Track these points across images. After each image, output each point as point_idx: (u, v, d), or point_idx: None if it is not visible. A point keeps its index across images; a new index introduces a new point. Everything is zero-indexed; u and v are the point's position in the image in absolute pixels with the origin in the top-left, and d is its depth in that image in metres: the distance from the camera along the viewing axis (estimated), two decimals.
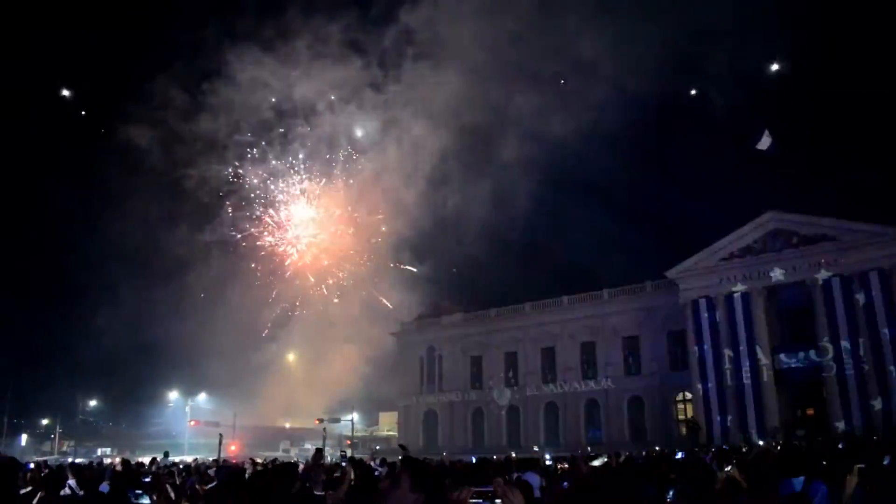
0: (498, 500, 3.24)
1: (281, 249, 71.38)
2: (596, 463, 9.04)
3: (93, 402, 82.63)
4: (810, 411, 49.80)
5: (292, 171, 71.85)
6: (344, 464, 9.04)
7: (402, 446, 10.93)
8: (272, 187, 71.75)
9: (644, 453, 27.20)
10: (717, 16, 61.19)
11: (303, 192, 71.66)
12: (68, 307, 73.37)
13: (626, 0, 67.51)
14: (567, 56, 66.62)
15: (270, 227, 71.68)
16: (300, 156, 71.90)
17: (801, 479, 7.41)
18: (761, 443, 37.06)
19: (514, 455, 17.39)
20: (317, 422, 57.94)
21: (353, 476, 10.91)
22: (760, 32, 68.54)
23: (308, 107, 71.30)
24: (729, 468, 8.33)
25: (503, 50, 68.12)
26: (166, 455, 21.01)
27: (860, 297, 46.09)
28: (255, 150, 71.24)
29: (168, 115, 69.72)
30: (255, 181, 71.05)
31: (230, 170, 71.14)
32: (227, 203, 70.89)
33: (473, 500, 3.26)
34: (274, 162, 71.38)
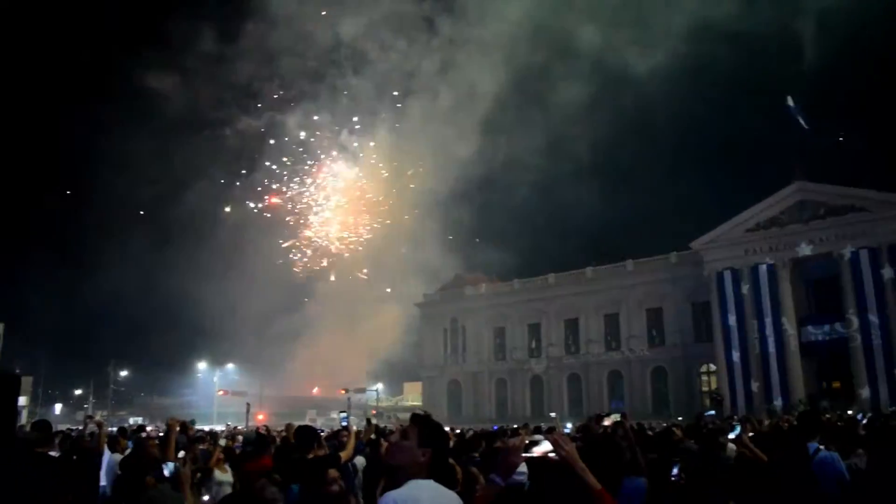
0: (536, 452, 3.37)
1: (314, 212, 70.96)
2: (607, 422, 9.13)
3: (124, 373, 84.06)
4: (836, 384, 49.47)
5: (333, 125, 70.92)
6: (345, 424, 9.42)
7: (425, 413, 11.21)
8: (311, 140, 70.88)
9: (665, 425, 27.22)
10: None
11: (343, 146, 70.78)
12: (99, 278, 74.32)
13: None
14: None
15: (304, 185, 71.14)
16: (342, 104, 70.69)
17: (815, 444, 7.50)
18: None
19: (528, 425, 17.59)
20: (342, 392, 58.55)
21: (372, 435, 11.22)
22: None
23: (353, 52, 69.87)
24: (733, 435, 8.39)
25: None
26: (192, 423, 21.42)
27: (888, 270, 45.54)
28: (292, 100, 70.26)
29: (197, 61, 69.12)
30: (294, 134, 70.11)
31: (264, 122, 70.22)
32: (259, 158, 70.39)
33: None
34: (315, 117, 70.01)
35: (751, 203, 52.19)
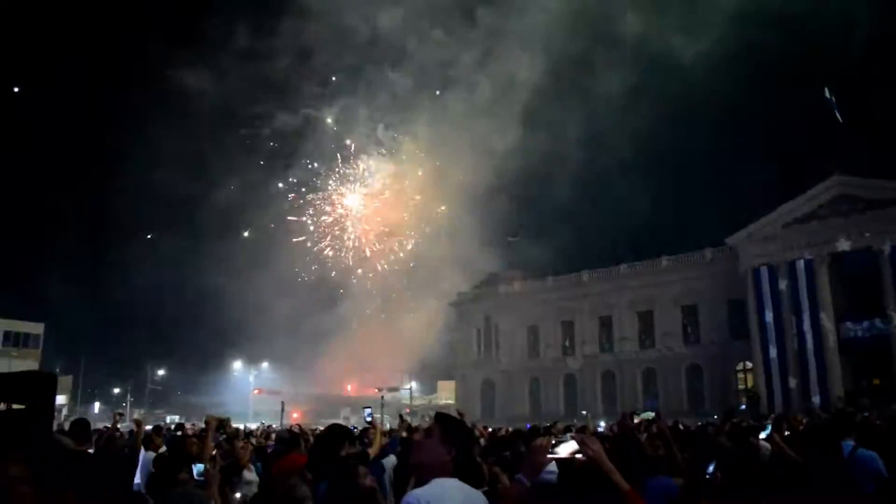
0: (562, 452, 3.35)
1: (350, 209, 71.04)
2: (636, 420, 9.08)
3: (161, 372, 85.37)
4: (876, 381, 48.52)
5: (371, 120, 70.99)
6: (370, 419, 9.46)
7: (459, 413, 11.24)
8: (348, 136, 70.91)
9: (699, 424, 26.95)
10: None
11: (380, 142, 70.76)
12: (136, 277, 75.51)
13: None
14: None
15: (340, 181, 71.33)
16: (380, 99, 70.56)
17: (851, 443, 7.39)
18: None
19: (557, 423, 17.51)
20: (376, 391, 58.82)
21: (403, 433, 11.24)
22: None
23: (390, 46, 69.78)
24: (763, 436, 8.29)
25: None
26: (228, 421, 21.71)
27: None
28: (329, 96, 70.34)
29: (232, 57, 69.63)
30: (331, 130, 70.13)
31: (300, 119, 70.38)
32: (295, 155, 70.44)
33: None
34: (353, 112, 69.36)
35: (788, 198, 51.37)
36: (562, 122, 68.88)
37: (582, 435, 3.45)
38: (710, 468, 6.70)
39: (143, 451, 9.65)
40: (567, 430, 15.14)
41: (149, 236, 73.30)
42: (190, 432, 20.49)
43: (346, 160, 71.78)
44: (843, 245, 47.97)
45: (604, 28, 69.94)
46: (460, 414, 10.99)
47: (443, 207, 71.90)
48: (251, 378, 79.02)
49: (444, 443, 3.52)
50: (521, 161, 68.15)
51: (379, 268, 73.48)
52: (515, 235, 72.04)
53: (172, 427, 26.39)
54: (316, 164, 71.30)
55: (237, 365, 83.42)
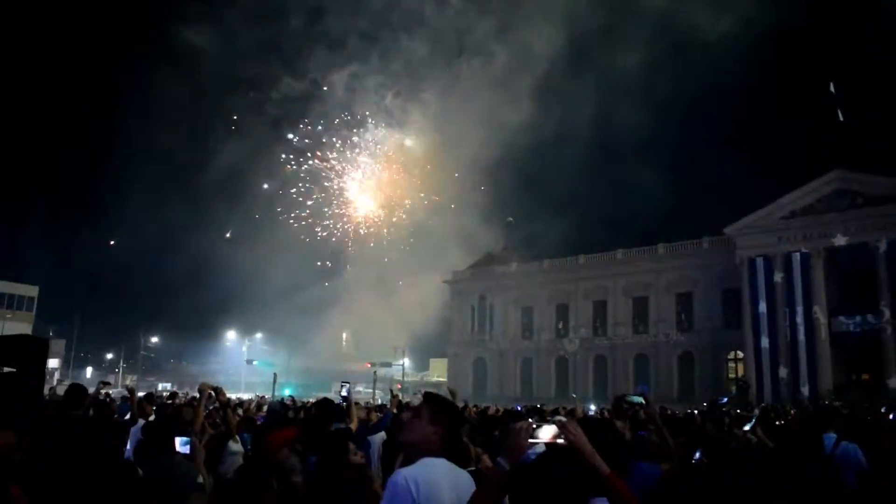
0: (542, 436, 3.36)
1: (354, 178, 70.37)
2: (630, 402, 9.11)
3: (155, 339, 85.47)
4: (865, 376, 48.83)
5: (381, 88, 69.91)
6: (345, 394, 9.30)
7: (451, 391, 11.26)
8: (357, 104, 69.98)
9: (688, 411, 27.16)
10: None
11: (389, 111, 69.80)
12: (132, 242, 75.39)
13: None
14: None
15: (346, 149, 70.49)
16: (391, 67, 69.45)
17: (833, 437, 7.49)
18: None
19: (543, 406, 17.58)
20: (368, 365, 59.03)
21: (394, 410, 11.31)
22: None
23: (407, 11, 68.62)
24: (748, 428, 8.37)
25: None
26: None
27: None
28: (339, 61, 69.07)
29: (238, 13, 68.21)
30: (339, 96, 69.09)
31: (308, 84, 69.36)
32: (301, 121, 69.42)
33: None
34: (362, 79, 68.20)
35: (787, 190, 51.36)
36: (571, 102, 68.81)
37: (563, 418, 3.46)
38: (697, 455, 6.78)
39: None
40: (555, 412, 15.23)
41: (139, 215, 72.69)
42: (181, 401, 20.63)
43: (352, 128, 71.02)
44: (840, 240, 48.06)
45: (622, 4, 69.17)
46: (452, 393, 11.05)
47: (447, 182, 71.47)
48: (244, 348, 79.16)
49: (432, 422, 3.56)
50: (528, 139, 67.88)
51: (378, 241, 73.22)
52: (511, 218, 71.88)
53: (165, 395, 26.52)
54: (322, 131, 70.60)
55: (231, 335, 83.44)
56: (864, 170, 48.26)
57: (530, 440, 3.26)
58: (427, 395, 3.80)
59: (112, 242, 72.71)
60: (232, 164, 70.37)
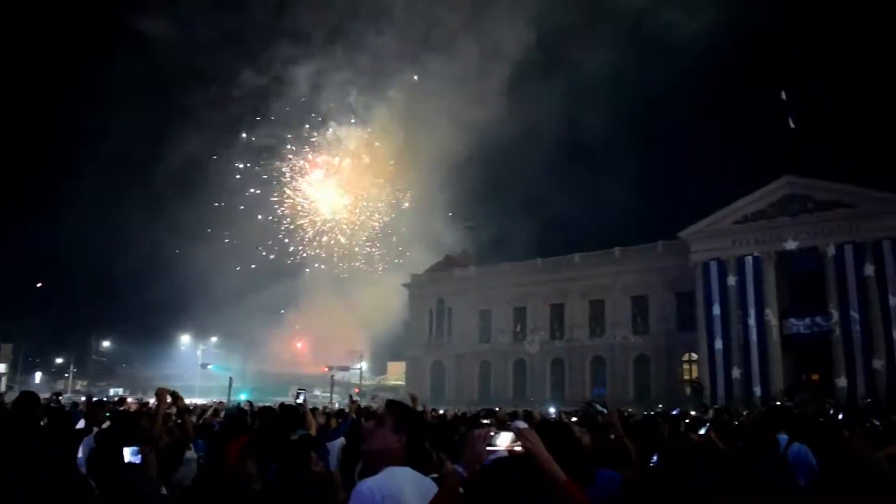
0: (500, 443, 3.36)
1: (314, 176, 69.16)
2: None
3: (106, 343, 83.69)
4: (815, 376, 50.03)
5: (346, 84, 68.50)
6: (301, 401, 9.09)
7: (411, 396, 11.18)
8: (319, 99, 68.56)
9: (645, 413, 27.50)
10: None
11: (353, 107, 68.52)
12: (84, 242, 73.48)
13: None
14: None
15: (307, 147, 69.19)
16: (357, 62, 68.19)
17: (785, 437, 7.63)
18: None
19: (496, 411, 17.62)
20: (325, 369, 58.56)
21: (353, 415, 11.22)
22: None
23: (375, 5, 67.25)
24: (703, 431, 8.50)
25: None
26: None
27: (870, 266, 45.94)
28: (303, 55, 67.51)
29: (199, 5, 66.18)
30: (301, 91, 67.58)
31: (269, 77, 67.84)
32: (260, 116, 67.86)
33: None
34: (327, 74, 66.55)
35: (740, 195, 52.39)
36: (533, 106, 69.11)
37: (522, 423, 3.47)
38: (654, 458, 6.85)
39: (83, 425, 9.46)
40: (513, 415, 15.29)
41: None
42: (133, 407, 20.19)
43: (315, 126, 69.99)
44: (791, 244, 49.17)
45: (589, 6, 69.58)
46: (413, 398, 11.00)
47: (411, 183, 71.06)
48: (199, 352, 77.93)
49: (396, 431, 3.54)
50: (491, 140, 68.05)
51: (339, 242, 72.52)
52: (471, 222, 71.88)
53: (116, 400, 25.93)
54: (283, 128, 69.47)
55: (185, 338, 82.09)
56: (815, 175, 49.49)
57: (488, 447, 3.26)
58: (390, 403, 3.78)
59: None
60: (188, 159, 68.86)
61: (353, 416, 11.14)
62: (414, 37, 70.99)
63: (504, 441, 3.28)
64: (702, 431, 8.58)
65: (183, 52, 74.57)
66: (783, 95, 51.86)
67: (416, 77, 69.92)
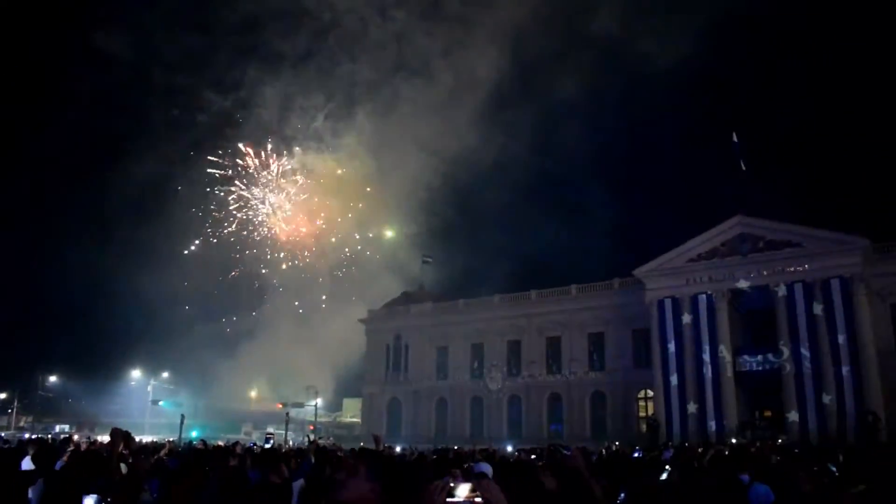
0: (459, 494, 3.31)
1: (274, 205, 68.03)
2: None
3: (52, 378, 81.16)
4: (767, 413, 50.75)
5: (313, 109, 67.59)
6: (268, 446, 8.81)
7: (375, 436, 10.92)
8: (285, 125, 67.23)
9: (603, 450, 27.55)
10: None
11: (319, 134, 67.41)
12: (28, 279, 71.37)
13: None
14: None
15: (268, 175, 67.88)
16: (327, 87, 67.06)
17: (747, 477, 7.70)
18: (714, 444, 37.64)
19: (471, 448, 17.46)
20: (279, 406, 57.60)
21: (312, 458, 10.95)
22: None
23: (346, 31, 66.65)
24: (664, 477, 8.53)
25: None
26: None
27: (821, 304, 47.01)
28: (269, 78, 66.38)
29: (159, 19, 65.01)
30: (265, 115, 66.50)
31: (232, 100, 66.45)
32: (223, 138, 66.47)
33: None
34: (294, 98, 65.14)
35: (694, 234, 53.35)
36: (489, 146, 69.37)
37: (485, 466, 3.45)
38: (622, 496, 6.84)
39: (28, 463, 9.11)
40: (471, 455, 15.19)
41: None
42: (83, 446, 19.57)
43: (280, 152, 69.14)
44: (743, 282, 50.16)
45: (565, 37, 70.22)
46: (376, 438, 10.79)
47: (374, 215, 70.39)
48: (150, 388, 76.03)
49: (369, 479, 3.47)
50: (452, 175, 67.94)
51: (298, 274, 71.54)
52: (429, 258, 71.72)
53: (62, 439, 25.09)
54: (244, 153, 68.39)
55: (135, 373, 79.97)
56: (766, 216, 50.75)
57: (448, 499, 3.23)
58: (362, 452, 3.72)
59: None
60: (143, 184, 67.31)
61: (312, 458, 10.87)
62: (387, 65, 71.04)
63: (463, 491, 3.24)
64: (663, 477, 8.59)
65: (144, 73, 73.17)
66: (734, 138, 53.28)
67: (383, 107, 69.91)
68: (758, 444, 29.06)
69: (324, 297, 71.26)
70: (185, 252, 67.93)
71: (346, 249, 70.55)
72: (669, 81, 78.80)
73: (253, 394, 79.98)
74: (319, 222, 70.50)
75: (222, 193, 67.77)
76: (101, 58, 65.13)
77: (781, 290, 48.49)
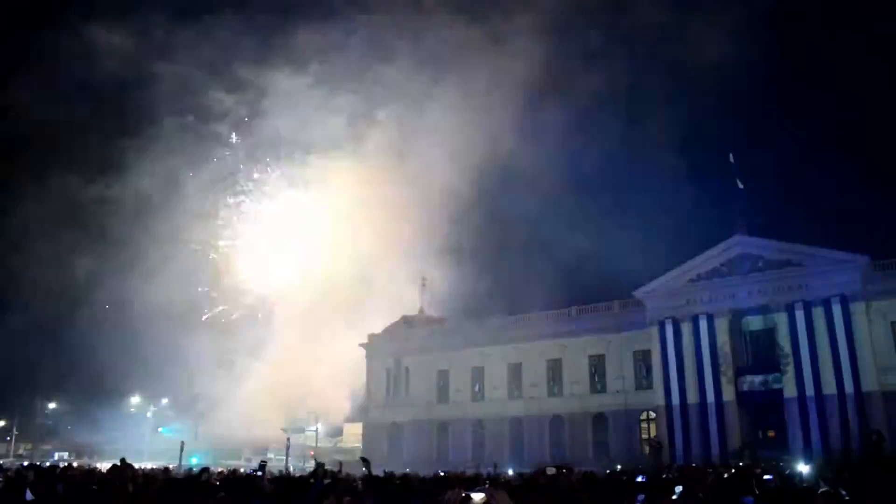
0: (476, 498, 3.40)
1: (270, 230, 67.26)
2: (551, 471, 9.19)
3: (52, 405, 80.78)
4: (772, 433, 50.41)
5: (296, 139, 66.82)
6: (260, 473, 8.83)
7: (363, 459, 10.83)
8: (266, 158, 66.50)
9: (608, 472, 27.33)
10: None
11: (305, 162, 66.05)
12: (27, 303, 70.97)
13: None
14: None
15: (264, 199, 67.30)
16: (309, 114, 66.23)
17: (751, 499, 7.65)
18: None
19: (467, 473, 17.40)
20: (281, 431, 57.23)
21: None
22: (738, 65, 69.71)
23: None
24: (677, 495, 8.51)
25: None
26: (123, 462, 20.64)
27: (820, 323, 46.92)
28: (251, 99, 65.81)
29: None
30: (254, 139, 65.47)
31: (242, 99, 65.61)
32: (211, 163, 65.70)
33: None
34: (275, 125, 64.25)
35: (694, 254, 53.36)
36: (486, 164, 69.04)
37: (492, 488, 3.52)
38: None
39: (29, 494, 9.07)
40: (478, 479, 15.13)
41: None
42: (77, 472, 19.42)
43: (268, 177, 68.00)
44: (743, 302, 50.10)
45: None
46: (365, 462, 10.69)
47: (372, 239, 69.95)
48: (150, 414, 75.68)
49: None
50: (446, 200, 67.55)
51: (298, 301, 71.03)
52: (426, 278, 71.47)
53: (64, 467, 24.92)
54: (249, 160, 67.42)
55: (135, 399, 79.60)
56: (765, 235, 50.83)
57: None
58: (370, 481, 3.72)
59: None
60: (140, 198, 66.57)
61: (312, 481, 10.80)
62: (376, 94, 70.81)
63: (477, 498, 3.36)
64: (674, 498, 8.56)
65: (136, 68, 72.00)
66: (731, 158, 53.49)
67: (370, 138, 69.73)
68: (761, 466, 28.84)
69: (323, 322, 70.62)
70: (182, 281, 67.33)
71: (349, 269, 69.92)
72: (668, 104, 79.15)
73: (253, 420, 79.29)
74: (321, 241, 69.66)
75: (221, 209, 66.83)
76: (99, 50, 64.41)
77: (782, 310, 48.43)
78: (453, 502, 3.25)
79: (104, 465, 26.89)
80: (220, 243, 68.08)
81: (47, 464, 38.22)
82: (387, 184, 68.63)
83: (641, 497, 6.70)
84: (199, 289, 69.39)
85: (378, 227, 69.04)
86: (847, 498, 9.16)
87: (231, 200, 67.26)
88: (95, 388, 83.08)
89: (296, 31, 68.40)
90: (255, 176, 67.87)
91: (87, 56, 67.54)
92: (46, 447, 76.11)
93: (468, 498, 3.33)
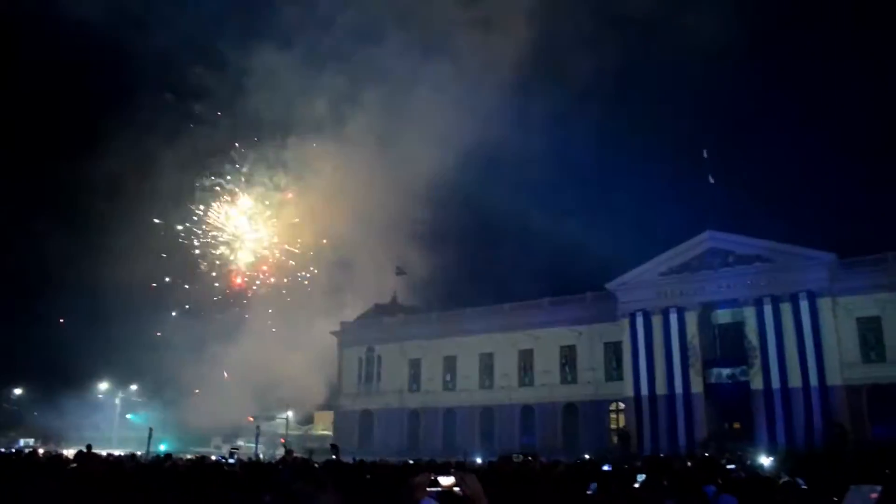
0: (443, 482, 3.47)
1: (245, 218, 66.50)
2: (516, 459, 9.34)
3: (17, 391, 79.59)
4: (737, 425, 51.24)
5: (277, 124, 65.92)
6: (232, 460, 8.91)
7: (333, 446, 10.91)
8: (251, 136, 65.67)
9: (576, 461, 27.61)
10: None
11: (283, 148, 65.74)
12: None
13: None
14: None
15: (242, 185, 66.31)
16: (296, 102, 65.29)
17: (713, 488, 7.79)
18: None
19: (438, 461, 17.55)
20: (250, 419, 56.94)
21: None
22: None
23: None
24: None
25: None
26: (89, 448, 20.53)
27: (788, 317, 47.70)
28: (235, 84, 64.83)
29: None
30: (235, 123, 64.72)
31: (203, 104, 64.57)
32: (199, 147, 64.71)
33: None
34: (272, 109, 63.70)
35: (666, 248, 53.97)
36: (463, 155, 68.70)
37: (461, 472, 3.58)
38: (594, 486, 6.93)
39: None
40: (446, 466, 15.19)
41: None
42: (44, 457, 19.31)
43: (245, 159, 67.06)
44: (713, 296, 50.80)
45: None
46: (334, 447, 10.75)
47: (346, 226, 69.17)
48: (117, 401, 74.89)
49: (336, 491, 3.50)
50: (426, 187, 67.10)
51: (270, 286, 70.23)
52: (402, 271, 71.27)
53: (26, 452, 24.68)
54: (225, 139, 66.29)
55: (103, 386, 78.51)
56: (735, 230, 51.48)
57: (429, 489, 3.35)
58: (327, 465, 3.76)
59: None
60: (109, 180, 65.17)
61: (280, 466, 10.84)
62: (365, 74, 69.96)
63: (445, 482, 3.42)
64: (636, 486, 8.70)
65: (114, 42, 70.42)
66: (704, 154, 54.02)
67: (348, 120, 68.88)
68: (727, 457, 29.29)
69: (295, 308, 69.87)
70: (152, 265, 65.86)
71: (319, 261, 69.17)
72: (644, 98, 79.81)
73: (224, 407, 78.63)
74: (288, 236, 68.95)
75: (196, 189, 65.31)
76: (70, 22, 62.75)
77: (751, 304, 49.17)
78: (422, 486, 3.31)
79: (70, 452, 26.65)
80: (194, 227, 66.57)
81: (13, 450, 37.78)
82: (368, 168, 67.94)
83: (594, 485, 6.81)
84: (171, 272, 67.88)
85: (357, 213, 68.38)
86: (804, 487, 9.41)
87: (207, 182, 65.69)
88: (62, 374, 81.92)
89: (281, 6, 67.41)
90: (233, 157, 66.44)
91: (57, 29, 65.90)
92: (12, 434, 74.89)
93: (436, 481, 3.40)
